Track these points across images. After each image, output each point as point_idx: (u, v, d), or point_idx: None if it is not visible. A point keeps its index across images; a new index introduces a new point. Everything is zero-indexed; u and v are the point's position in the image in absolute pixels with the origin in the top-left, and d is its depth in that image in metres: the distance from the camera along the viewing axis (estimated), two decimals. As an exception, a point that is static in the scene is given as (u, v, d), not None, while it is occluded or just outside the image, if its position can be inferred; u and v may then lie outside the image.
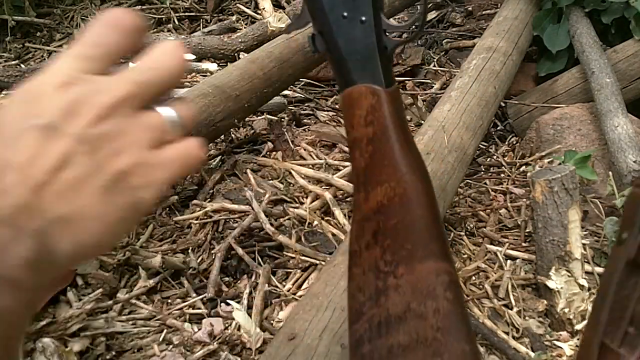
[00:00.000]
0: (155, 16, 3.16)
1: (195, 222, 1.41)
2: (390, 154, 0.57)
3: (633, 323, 0.50)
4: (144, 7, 3.26)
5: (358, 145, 0.58)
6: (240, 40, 2.56)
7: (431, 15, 2.92)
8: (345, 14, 0.56)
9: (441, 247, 0.58)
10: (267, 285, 1.21)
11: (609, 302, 0.51)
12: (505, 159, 1.80)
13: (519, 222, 1.43)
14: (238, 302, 1.16)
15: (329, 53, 0.57)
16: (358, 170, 0.58)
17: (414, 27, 0.61)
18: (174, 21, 3.13)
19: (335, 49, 0.57)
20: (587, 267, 1.20)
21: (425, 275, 0.57)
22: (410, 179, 0.57)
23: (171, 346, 1.09)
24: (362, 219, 0.59)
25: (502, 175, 1.68)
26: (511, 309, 1.16)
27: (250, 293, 1.20)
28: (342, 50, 0.56)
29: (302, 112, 2.07)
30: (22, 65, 2.75)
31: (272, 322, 1.13)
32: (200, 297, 1.20)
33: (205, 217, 1.43)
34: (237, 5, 3.28)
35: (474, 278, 1.26)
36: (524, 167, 1.70)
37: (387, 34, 0.57)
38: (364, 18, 0.56)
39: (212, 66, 2.37)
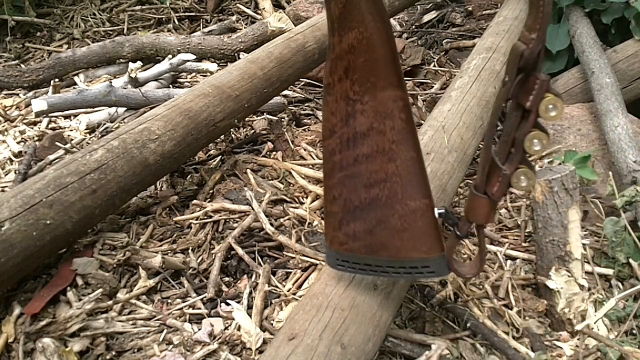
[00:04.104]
0: (155, 16, 3.16)
1: (195, 222, 1.41)
2: (359, 5, 0.70)
3: (514, 145, 0.71)
4: (144, 7, 3.26)
5: None
6: (240, 40, 2.56)
7: (431, 15, 2.92)
8: None
9: (398, 78, 0.73)
10: (267, 285, 1.21)
11: (493, 128, 0.72)
12: (505, 159, 1.79)
13: (519, 222, 1.43)
14: (238, 302, 1.17)
15: None
16: (333, 18, 0.72)
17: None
18: (174, 21, 3.13)
19: None
20: (587, 267, 1.20)
21: (385, 101, 0.73)
22: (376, 25, 0.71)
23: (171, 346, 1.09)
24: (336, 57, 0.74)
25: (502, 175, 1.68)
26: (511, 309, 1.16)
27: (250, 293, 1.20)
28: None
29: (302, 112, 2.07)
30: (22, 65, 2.75)
31: (272, 322, 1.13)
32: (200, 297, 1.20)
33: (205, 217, 1.43)
34: (237, 5, 3.28)
35: (474, 278, 1.26)
36: (524, 167, 1.70)
37: None
38: None
39: (212, 66, 2.37)
